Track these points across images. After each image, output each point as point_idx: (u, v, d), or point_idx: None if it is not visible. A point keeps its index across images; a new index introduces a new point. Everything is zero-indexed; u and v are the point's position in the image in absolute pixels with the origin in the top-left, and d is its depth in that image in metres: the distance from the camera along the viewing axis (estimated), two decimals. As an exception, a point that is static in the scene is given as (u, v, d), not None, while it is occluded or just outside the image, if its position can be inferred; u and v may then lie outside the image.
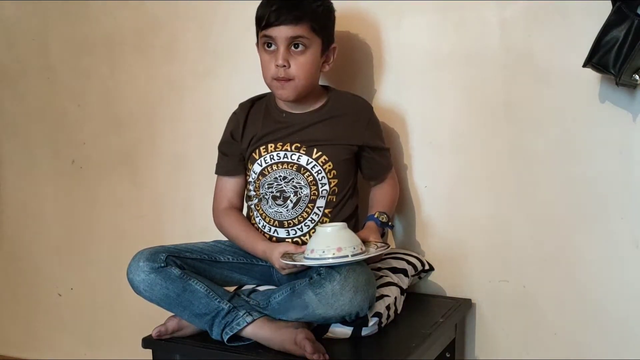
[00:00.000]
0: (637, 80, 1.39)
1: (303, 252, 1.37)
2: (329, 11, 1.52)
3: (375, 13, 1.69)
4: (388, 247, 1.41)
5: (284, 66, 1.46)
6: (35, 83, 2.19)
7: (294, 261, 1.36)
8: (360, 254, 1.33)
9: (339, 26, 1.56)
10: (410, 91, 1.69)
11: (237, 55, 1.87)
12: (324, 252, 1.31)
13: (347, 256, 1.31)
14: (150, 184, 2.06)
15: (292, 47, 1.46)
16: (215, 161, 1.61)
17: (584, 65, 1.42)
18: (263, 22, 1.45)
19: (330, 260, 1.31)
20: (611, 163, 1.52)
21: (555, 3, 1.52)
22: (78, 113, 2.14)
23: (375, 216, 1.53)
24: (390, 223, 1.56)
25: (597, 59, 1.40)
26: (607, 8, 1.39)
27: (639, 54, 1.35)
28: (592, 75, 1.48)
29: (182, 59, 1.95)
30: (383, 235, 1.53)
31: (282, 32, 1.44)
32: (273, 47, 1.47)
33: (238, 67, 1.87)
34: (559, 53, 1.53)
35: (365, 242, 1.39)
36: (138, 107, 2.04)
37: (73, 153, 2.16)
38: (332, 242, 1.32)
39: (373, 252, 1.37)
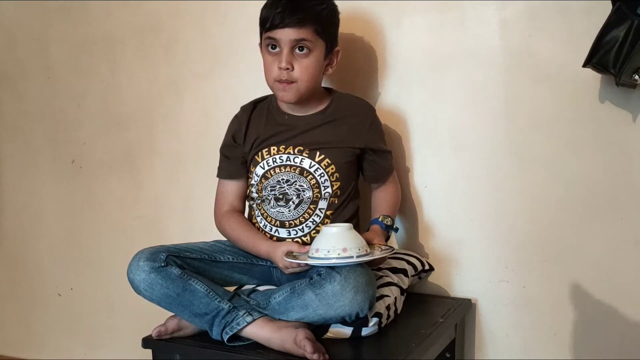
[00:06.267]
0: (637, 80, 1.39)
1: (307, 252, 1.36)
2: (333, 14, 1.51)
3: (375, 13, 1.69)
4: (392, 250, 1.41)
5: (287, 69, 1.46)
6: (35, 83, 2.19)
7: (298, 260, 1.36)
8: (365, 255, 1.33)
9: (340, 27, 1.56)
10: (411, 91, 1.69)
11: (237, 55, 1.87)
12: (329, 252, 1.31)
13: (352, 257, 1.31)
14: (150, 184, 2.06)
15: (296, 50, 1.46)
16: (215, 161, 1.61)
17: (584, 65, 1.42)
18: (267, 23, 1.45)
19: (335, 260, 1.31)
20: (611, 163, 1.52)
21: (555, 3, 1.52)
22: (78, 113, 2.14)
23: (380, 219, 1.53)
24: (394, 226, 1.56)
25: (597, 59, 1.40)
26: (607, 8, 1.39)
27: (639, 54, 1.35)
28: (592, 75, 1.48)
29: (182, 59, 1.95)
30: (388, 238, 1.54)
31: (285, 35, 1.44)
32: (277, 49, 1.47)
33: (238, 68, 1.87)
34: (559, 53, 1.53)
35: (369, 244, 1.39)
36: (138, 107, 2.04)
37: (73, 153, 2.17)
38: (337, 243, 1.32)
39: (378, 254, 1.36)
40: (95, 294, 2.20)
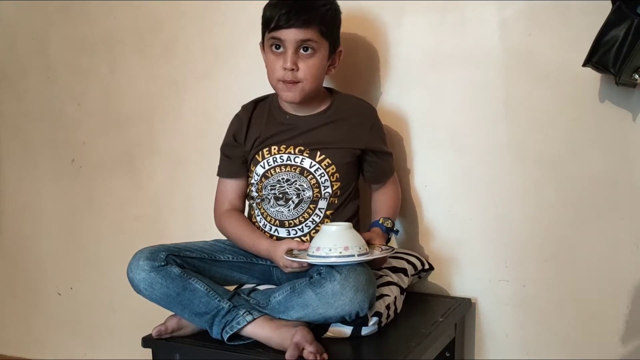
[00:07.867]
0: (636, 80, 1.40)
1: (307, 250, 1.36)
2: (337, 14, 1.51)
3: (376, 13, 1.69)
4: (393, 250, 1.41)
5: (292, 69, 1.45)
6: (35, 83, 2.19)
7: (299, 259, 1.35)
8: (365, 254, 1.33)
9: (341, 27, 1.56)
10: (411, 91, 1.69)
11: (237, 55, 1.87)
12: (330, 250, 1.31)
13: (353, 255, 1.31)
14: (150, 184, 2.06)
15: (301, 50, 1.45)
16: (215, 161, 1.61)
17: (584, 65, 1.42)
18: (272, 24, 1.44)
19: (335, 259, 1.31)
20: (611, 163, 1.52)
21: (555, 3, 1.52)
22: (78, 113, 2.14)
23: (380, 222, 1.54)
24: (395, 229, 1.56)
25: (597, 58, 1.40)
26: (607, 8, 1.39)
27: (639, 53, 1.35)
28: (592, 75, 1.48)
29: (182, 59, 1.95)
30: (388, 241, 1.54)
31: (291, 35, 1.44)
32: (281, 49, 1.46)
33: (238, 68, 1.87)
34: (559, 53, 1.53)
35: (369, 244, 1.39)
36: (138, 107, 2.04)
37: (73, 153, 2.16)
38: (338, 241, 1.32)
39: (378, 253, 1.36)
40: (95, 294, 2.20)
